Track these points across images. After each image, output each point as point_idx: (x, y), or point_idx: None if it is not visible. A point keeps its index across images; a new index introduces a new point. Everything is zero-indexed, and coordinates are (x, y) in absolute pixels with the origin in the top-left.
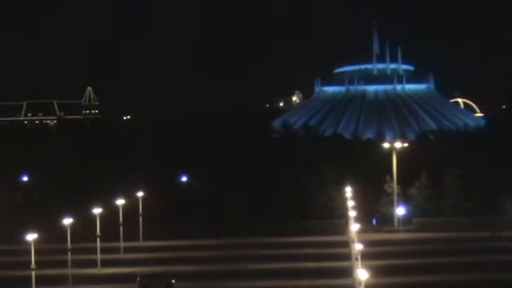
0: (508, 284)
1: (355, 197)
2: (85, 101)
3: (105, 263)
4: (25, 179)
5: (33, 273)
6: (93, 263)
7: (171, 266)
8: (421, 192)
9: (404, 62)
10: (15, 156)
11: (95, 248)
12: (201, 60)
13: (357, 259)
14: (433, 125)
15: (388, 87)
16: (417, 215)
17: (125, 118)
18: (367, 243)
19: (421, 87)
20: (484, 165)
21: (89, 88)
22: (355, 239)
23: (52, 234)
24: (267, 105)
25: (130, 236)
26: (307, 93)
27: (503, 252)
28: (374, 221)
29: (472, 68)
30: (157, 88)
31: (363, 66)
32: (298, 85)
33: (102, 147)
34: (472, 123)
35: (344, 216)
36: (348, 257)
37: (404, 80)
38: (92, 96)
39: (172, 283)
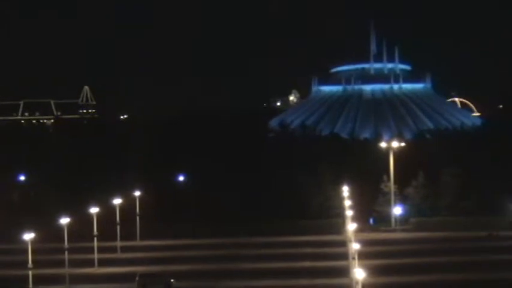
0: (505, 283)
1: (352, 196)
2: (82, 100)
3: (102, 263)
4: (22, 178)
5: (30, 272)
6: (90, 263)
7: (168, 266)
8: (418, 191)
9: (402, 62)
10: (12, 156)
11: (92, 248)
12: (201, 60)
13: (354, 258)
14: (430, 125)
15: (385, 86)
16: (414, 215)
17: (122, 118)
18: (364, 242)
19: (418, 86)
20: (481, 164)
21: (86, 87)
22: (352, 238)
23: (49, 233)
24: (265, 105)
25: (128, 235)
26: (304, 93)
27: (500, 252)
28: (371, 221)
29: (472, 68)
30: (157, 88)
31: (360, 66)
32: (298, 85)
33: (99, 147)
34: (468, 122)
35: (341, 215)
36: (345, 256)
37: (401, 80)
38: (89, 95)
39: (172, 282)
